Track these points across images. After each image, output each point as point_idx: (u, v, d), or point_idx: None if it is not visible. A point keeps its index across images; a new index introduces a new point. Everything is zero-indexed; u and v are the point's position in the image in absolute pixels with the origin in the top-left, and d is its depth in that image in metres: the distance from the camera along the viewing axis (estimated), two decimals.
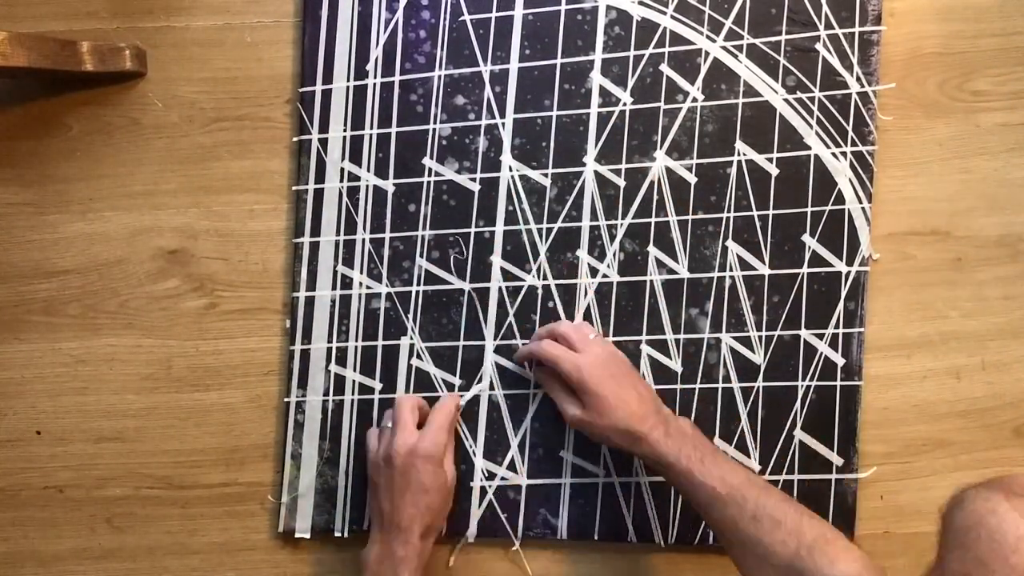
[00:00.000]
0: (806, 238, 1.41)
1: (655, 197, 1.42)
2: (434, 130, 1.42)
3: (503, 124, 1.42)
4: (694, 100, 1.41)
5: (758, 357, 1.42)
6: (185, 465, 1.47)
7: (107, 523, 1.47)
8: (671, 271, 1.42)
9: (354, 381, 1.44)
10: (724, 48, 1.41)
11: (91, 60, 1.36)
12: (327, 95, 1.42)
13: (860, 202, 1.41)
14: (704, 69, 1.41)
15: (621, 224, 1.42)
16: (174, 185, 1.45)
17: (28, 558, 1.48)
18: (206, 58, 1.44)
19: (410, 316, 1.43)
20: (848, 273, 1.42)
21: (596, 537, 1.44)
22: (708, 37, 1.41)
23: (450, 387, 1.43)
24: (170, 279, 1.45)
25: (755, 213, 1.41)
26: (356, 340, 1.43)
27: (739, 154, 1.41)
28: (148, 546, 1.48)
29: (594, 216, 1.42)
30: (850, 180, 1.41)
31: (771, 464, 1.42)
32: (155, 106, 1.44)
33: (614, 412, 1.28)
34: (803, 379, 1.42)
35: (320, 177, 1.42)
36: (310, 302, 1.43)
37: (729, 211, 1.41)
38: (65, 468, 1.47)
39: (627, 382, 1.31)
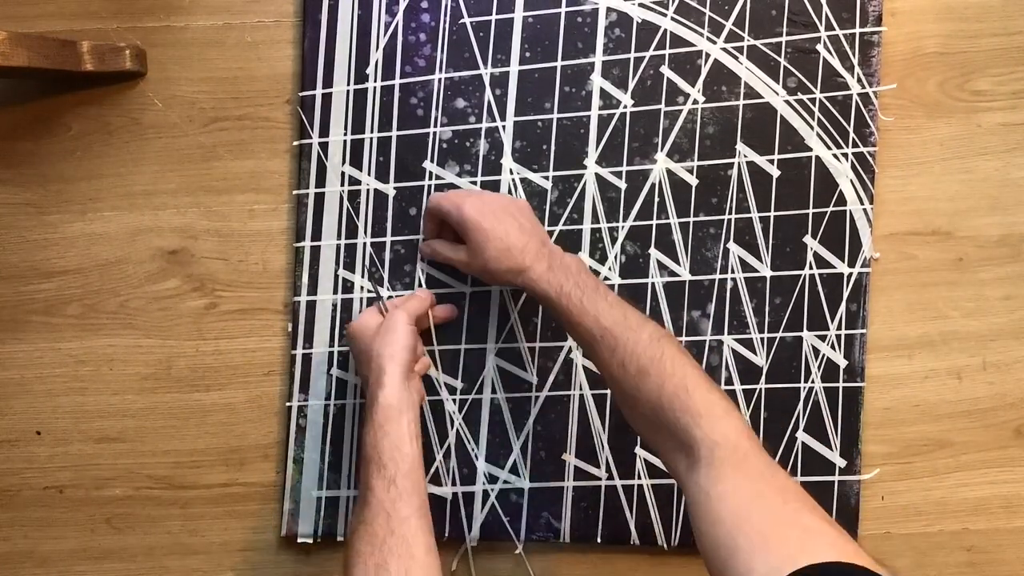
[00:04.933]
0: (807, 239, 1.41)
1: (656, 199, 1.42)
2: (435, 133, 1.42)
3: (504, 127, 1.41)
4: (695, 102, 1.41)
5: (760, 359, 1.42)
6: (185, 465, 1.47)
7: (107, 523, 1.47)
8: (673, 273, 1.42)
9: (356, 385, 1.44)
10: (725, 50, 1.41)
11: (91, 60, 1.36)
12: (327, 99, 1.42)
13: (861, 203, 1.41)
14: (705, 71, 1.41)
15: (622, 226, 1.41)
16: (174, 185, 1.44)
17: (28, 558, 1.48)
18: (206, 58, 1.44)
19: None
20: (850, 274, 1.42)
21: (599, 540, 1.44)
22: (709, 39, 1.41)
23: (452, 390, 1.44)
24: (170, 279, 1.45)
25: (756, 215, 1.41)
26: None
27: (740, 156, 1.41)
28: (148, 546, 1.48)
29: (595, 219, 1.42)
30: (851, 181, 1.41)
31: None
32: (155, 106, 1.44)
33: (492, 244, 1.27)
34: (805, 381, 1.42)
35: (321, 181, 1.42)
36: (311, 306, 1.43)
37: (730, 213, 1.41)
38: (65, 468, 1.47)
39: (509, 216, 1.30)
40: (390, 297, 1.41)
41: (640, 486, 1.43)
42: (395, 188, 1.42)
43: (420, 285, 1.43)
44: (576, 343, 1.26)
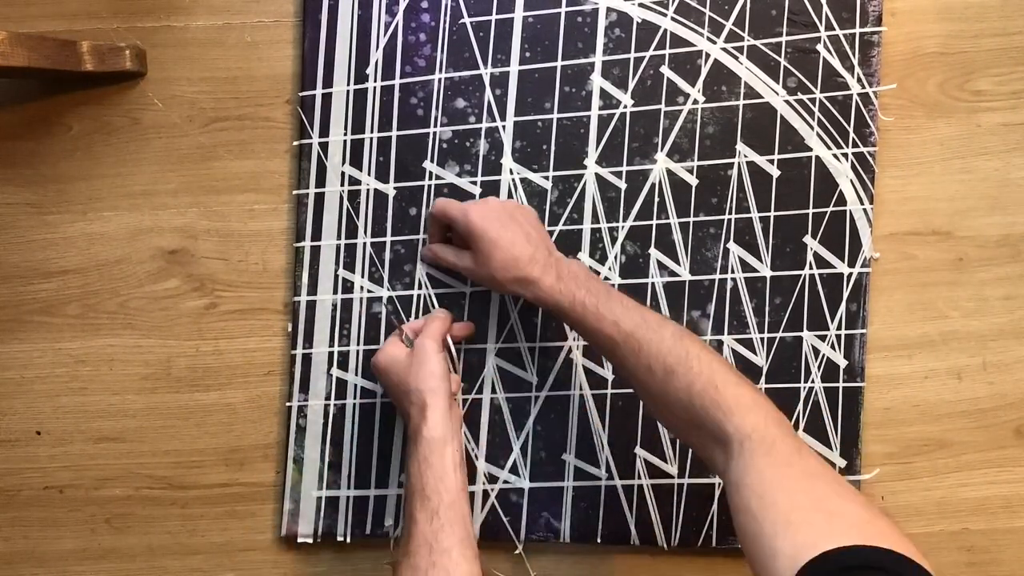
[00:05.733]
0: (807, 239, 1.41)
1: (656, 199, 1.41)
2: (435, 133, 1.42)
3: (504, 127, 1.41)
4: (695, 102, 1.41)
5: (760, 359, 1.42)
6: (185, 465, 1.47)
7: (107, 523, 1.47)
8: (673, 273, 1.42)
9: (356, 385, 1.44)
10: (725, 50, 1.41)
11: (91, 60, 1.35)
12: (327, 99, 1.42)
13: (861, 203, 1.41)
14: (705, 71, 1.41)
15: (622, 227, 1.41)
16: (174, 185, 1.44)
17: (28, 558, 1.48)
18: (206, 58, 1.43)
19: (412, 320, 1.43)
20: (850, 274, 1.42)
21: (599, 540, 1.44)
22: (709, 39, 1.41)
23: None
24: (170, 279, 1.45)
25: (756, 215, 1.41)
26: (358, 344, 1.43)
27: (740, 156, 1.41)
28: (148, 546, 1.48)
29: (595, 219, 1.42)
30: (851, 181, 1.41)
31: None
32: (155, 106, 1.44)
33: (500, 253, 1.27)
34: (805, 381, 1.42)
35: (321, 181, 1.42)
36: (311, 306, 1.43)
37: (730, 213, 1.41)
38: (65, 468, 1.47)
39: (515, 225, 1.29)
40: (391, 300, 1.41)
41: (640, 486, 1.43)
42: (395, 188, 1.42)
43: (421, 287, 1.43)
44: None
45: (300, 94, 1.42)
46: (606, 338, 1.21)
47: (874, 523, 0.95)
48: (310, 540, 1.45)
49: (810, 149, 1.41)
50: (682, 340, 1.17)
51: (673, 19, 1.40)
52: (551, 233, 1.41)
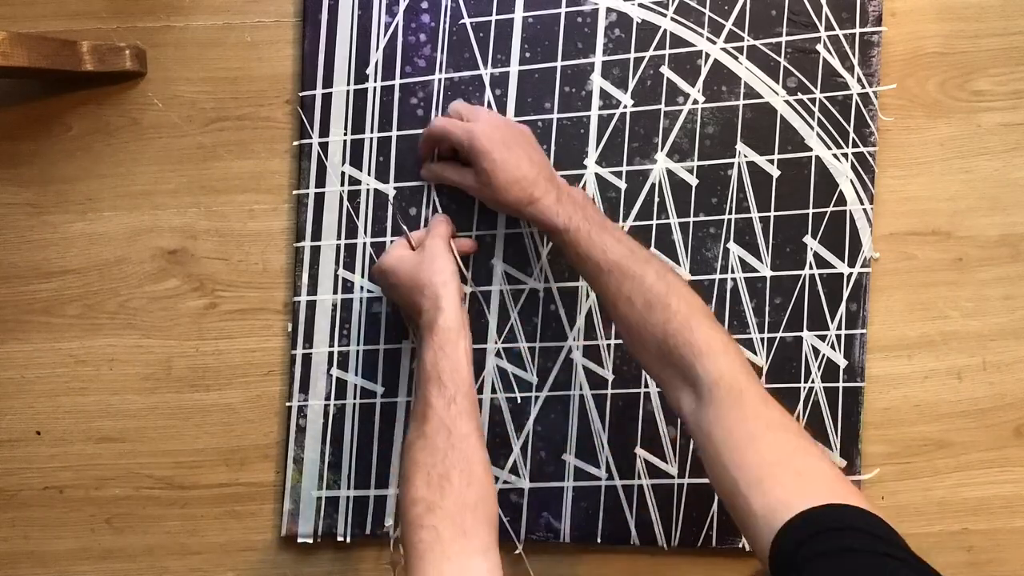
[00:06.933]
0: (807, 239, 1.41)
1: (656, 199, 1.42)
2: None
3: None
4: (695, 102, 1.41)
5: (760, 359, 1.42)
6: (185, 465, 1.47)
7: (107, 523, 1.47)
8: None
9: (356, 385, 1.44)
10: (725, 50, 1.41)
11: (91, 60, 1.35)
12: (327, 99, 1.42)
13: (861, 203, 1.41)
14: (705, 71, 1.41)
15: (622, 227, 1.41)
16: (174, 185, 1.44)
17: (28, 558, 1.48)
18: (206, 58, 1.43)
19: None
20: (850, 274, 1.42)
21: (599, 540, 1.45)
22: (708, 39, 1.41)
23: None
24: (170, 279, 1.45)
25: (756, 215, 1.41)
26: (358, 344, 1.44)
27: (740, 156, 1.41)
28: (148, 546, 1.48)
29: None
30: (851, 181, 1.41)
31: None
32: (155, 106, 1.44)
33: (503, 175, 1.28)
34: (805, 381, 1.42)
35: (321, 181, 1.42)
36: (311, 306, 1.43)
37: (730, 213, 1.41)
38: (65, 468, 1.47)
39: (518, 147, 1.31)
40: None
41: (640, 486, 1.44)
42: (395, 188, 1.42)
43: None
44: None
45: (300, 94, 1.42)
46: (593, 264, 1.22)
47: (841, 480, 0.99)
48: (310, 540, 1.45)
49: (810, 149, 1.41)
50: (665, 277, 1.19)
51: (673, 19, 1.40)
52: None
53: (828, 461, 1.02)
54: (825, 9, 1.40)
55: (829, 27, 1.40)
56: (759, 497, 0.97)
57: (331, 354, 1.44)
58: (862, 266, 1.42)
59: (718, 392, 1.07)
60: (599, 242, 1.22)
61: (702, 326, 1.13)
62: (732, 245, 1.42)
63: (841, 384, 1.43)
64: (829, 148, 1.41)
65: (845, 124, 1.41)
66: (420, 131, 1.41)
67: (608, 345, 1.43)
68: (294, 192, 1.43)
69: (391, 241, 1.42)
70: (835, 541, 0.91)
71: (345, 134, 1.42)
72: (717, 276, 1.42)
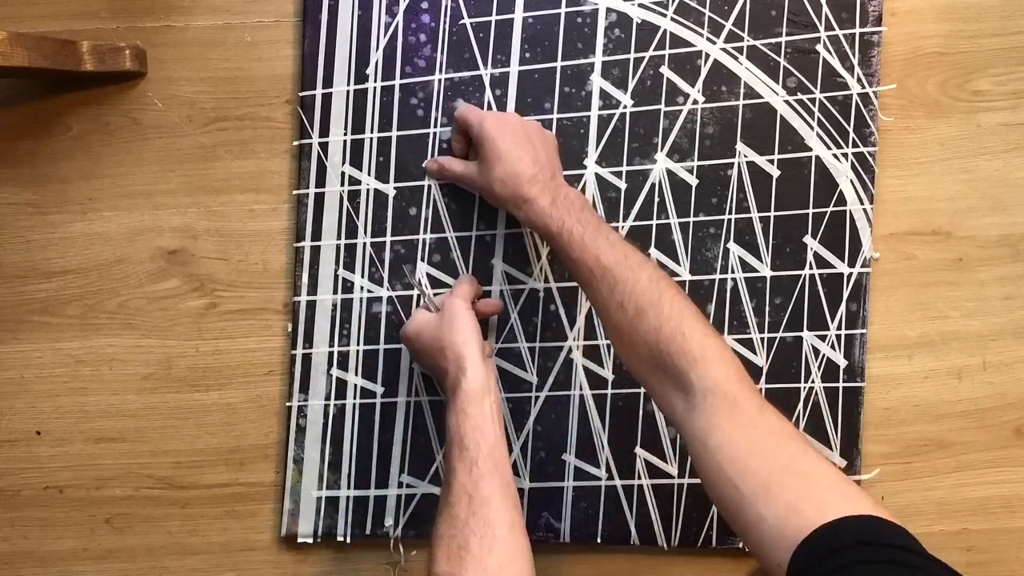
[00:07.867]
0: (808, 239, 1.41)
1: (656, 199, 1.42)
2: (435, 133, 1.42)
3: None
4: (695, 102, 1.41)
5: (760, 359, 1.42)
6: (185, 465, 1.47)
7: (107, 523, 1.47)
8: (672, 273, 1.42)
9: (356, 385, 1.44)
10: (724, 50, 1.41)
11: (91, 60, 1.35)
12: (327, 99, 1.42)
13: (861, 203, 1.41)
14: (704, 71, 1.41)
15: (622, 227, 1.41)
16: (174, 185, 1.44)
17: (28, 558, 1.48)
18: (206, 58, 1.43)
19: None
20: (850, 274, 1.42)
21: (599, 540, 1.45)
22: (708, 39, 1.41)
23: None
24: (170, 279, 1.45)
25: (756, 215, 1.41)
26: (358, 344, 1.44)
27: (740, 156, 1.41)
28: (148, 546, 1.48)
29: None
30: (851, 181, 1.41)
31: None
32: (155, 106, 1.44)
33: (502, 166, 1.28)
34: (805, 381, 1.42)
35: (321, 181, 1.42)
36: (311, 306, 1.43)
37: (730, 213, 1.41)
38: (65, 468, 1.47)
39: (528, 144, 1.30)
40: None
41: (640, 486, 1.44)
42: (395, 188, 1.42)
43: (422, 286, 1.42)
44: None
45: (300, 94, 1.42)
46: (585, 269, 1.21)
47: (847, 484, 0.97)
48: (310, 540, 1.45)
49: (810, 149, 1.41)
50: (658, 283, 1.17)
51: (673, 19, 1.40)
52: None
53: (828, 463, 1.00)
54: (825, 9, 1.40)
55: (829, 27, 1.40)
56: (767, 504, 0.95)
57: (331, 354, 1.44)
58: (862, 266, 1.42)
59: (713, 400, 1.06)
60: (592, 247, 1.21)
61: (696, 333, 1.11)
62: (732, 245, 1.42)
63: (841, 384, 1.43)
64: (829, 148, 1.41)
65: (845, 124, 1.41)
66: (420, 131, 1.41)
67: (608, 345, 1.43)
68: (294, 192, 1.43)
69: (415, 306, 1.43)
70: (857, 554, 0.89)
71: (345, 134, 1.42)
72: (717, 276, 1.42)
